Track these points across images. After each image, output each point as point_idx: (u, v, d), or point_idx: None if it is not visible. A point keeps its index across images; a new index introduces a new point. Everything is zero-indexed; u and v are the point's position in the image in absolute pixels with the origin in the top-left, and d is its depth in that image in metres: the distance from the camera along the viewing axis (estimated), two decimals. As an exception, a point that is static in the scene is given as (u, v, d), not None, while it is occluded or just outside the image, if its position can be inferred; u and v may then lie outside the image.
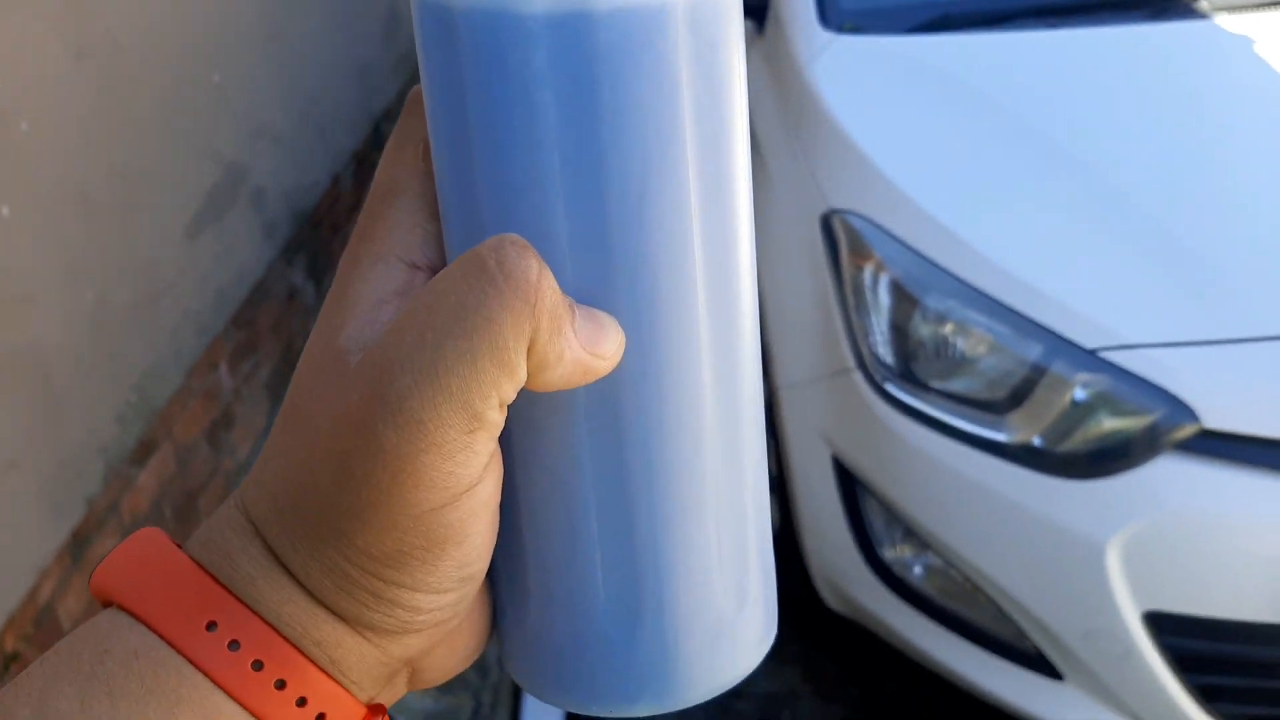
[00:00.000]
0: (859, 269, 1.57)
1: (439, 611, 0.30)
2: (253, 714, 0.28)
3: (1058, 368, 1.40)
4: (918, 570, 1.53)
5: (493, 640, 0.35)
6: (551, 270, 0.28)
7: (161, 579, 0.29)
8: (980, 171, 1.62)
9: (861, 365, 1.54)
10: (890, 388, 1.51)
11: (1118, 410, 1.36)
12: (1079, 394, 1.39)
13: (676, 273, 0.30)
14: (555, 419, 0.30)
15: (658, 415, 0.30)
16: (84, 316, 1.50)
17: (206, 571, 0.29)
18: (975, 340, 1.47)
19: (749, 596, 0.34)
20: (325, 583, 0.29)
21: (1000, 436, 1.43)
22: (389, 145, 0.32)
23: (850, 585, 1.60)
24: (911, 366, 1.51)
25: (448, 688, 1.71)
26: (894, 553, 1.55)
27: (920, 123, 1.72)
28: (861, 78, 1.82)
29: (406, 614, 0.30)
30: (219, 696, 0.28)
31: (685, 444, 0.31)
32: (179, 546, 0.30)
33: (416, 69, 0.31)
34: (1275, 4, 1.84)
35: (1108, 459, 1.36)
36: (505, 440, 0.31)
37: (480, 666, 1.78)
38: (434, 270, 0.31)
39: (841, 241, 1.61)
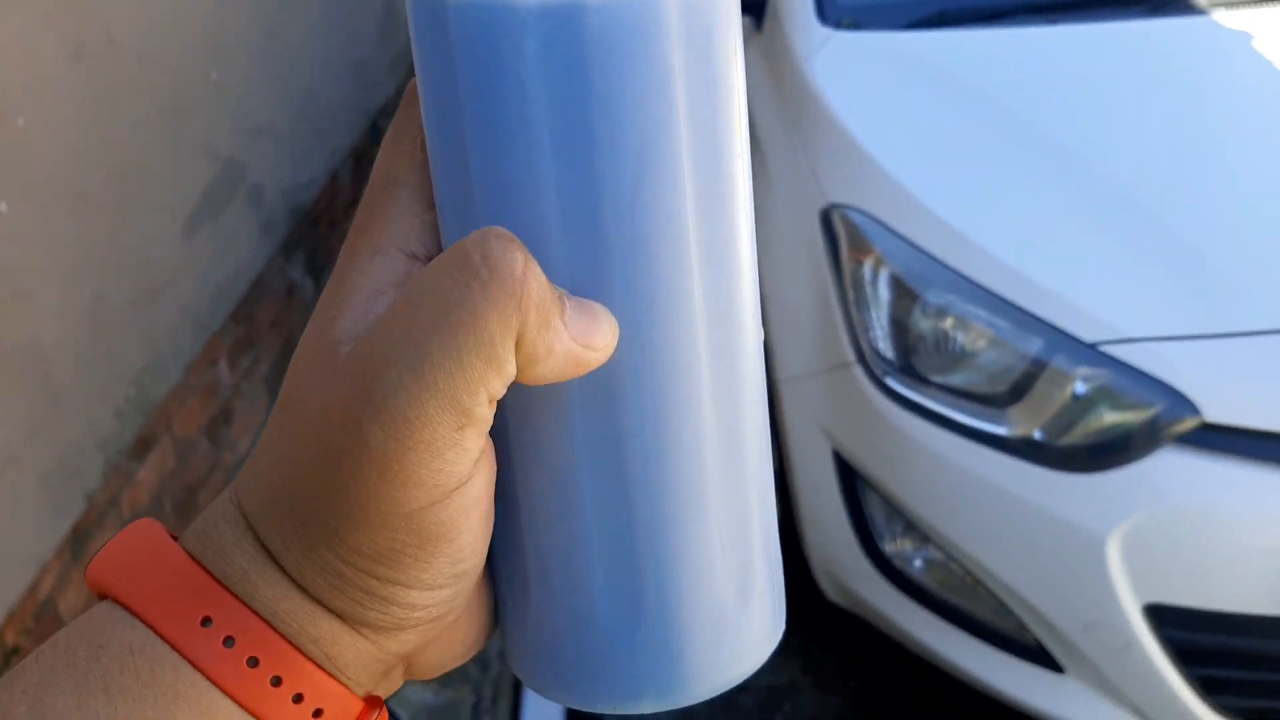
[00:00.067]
0: (859, 264, 1.57)
1: (434, 608, 0.30)
2: (249, 711, 0.28)
3: (1058, 362, 1.40)
4: (918, 564, 1.53)
5: (494, 634, 0.34)
6: (545, 261, 0.28)
7: (156, 573, 0.29)
8: (979, 166, 1.62)
9: (862, 360, 1.54)
10: (890, 382, 1.51)
11: (1118, 404, 1.36)
12: (1079, 388, 1.39)
13: (672, 262, 0.29)
14: (551, 411, 0.30)
15: (655, 406, 0.30)
16: (82, 313, 1.49)
17: (201, 566, 0.29)
18: (975, 334, 1.47)
19: (753, 591, 0.33)
20: (319, 581, 0.29)
21: (1001, 430, 1.43)
22: (387, 138, 0.32)
23: (851, 578, 1.60)
24: (912, 361, 1.51)
25: (448, 681, 1.71)
26: (894, 546, 1.55)
27: (919, 118, 1.72)
28: (860, 73, 1.82)
29: (402, 611, 0.29)
30: (215, 693, 0.28)
31: (684, 435, 0.30)
32: (175, 538, 0.30)
33: (413, 65, 0.31)
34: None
35: (1108, 452, 1.36)
36: (500, 434, 0.31)
37: (481, 660, 1.78)
38: (430, 260, 0.30)
39: (841, 236, 1.61)
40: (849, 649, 1.82)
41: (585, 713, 0.34)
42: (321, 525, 0.28)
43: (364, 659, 0.30)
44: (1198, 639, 1.34)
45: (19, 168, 1.37)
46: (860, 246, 1.58)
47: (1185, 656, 1.34)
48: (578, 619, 0.32)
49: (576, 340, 0.28)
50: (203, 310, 1.82)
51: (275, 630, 0.29)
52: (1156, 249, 1.46)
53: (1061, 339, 1.40)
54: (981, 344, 1.47)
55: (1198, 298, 1.40)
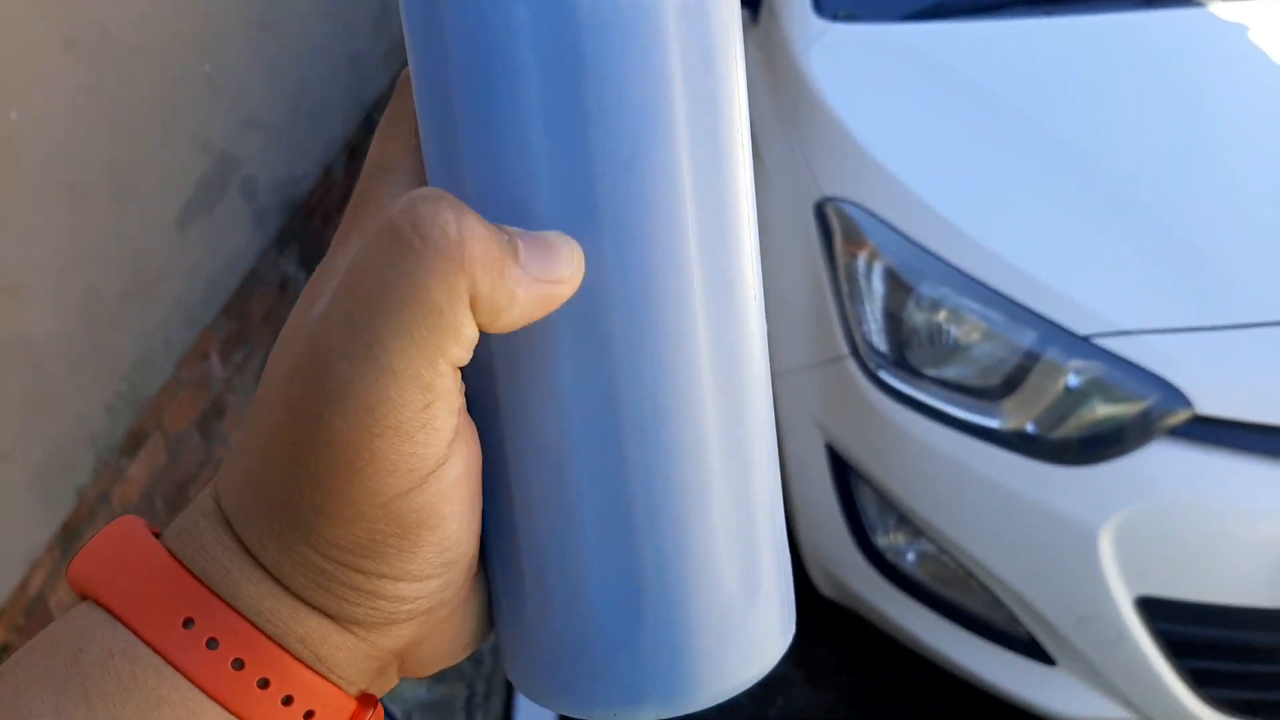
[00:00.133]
0: (853, 257, 1.57)
1: (424, 600, 0.29)
2: (237, 715, 0.27)
3: (1051, 354, 1.40)
4: (911, 557, 1.53)
5: (492, 630, 0.33)
6: (532, 224, 0.27)
7: (137, 572, 0.28)
8: (974, 159, 1.62)
9: (855, 353, 1.54)
10: (884, 375, 1.51)
11: (1111, 396, 1.36)
12: (1072, 380, 1.39)
13: (669, 237, 0.28)
14: (538, 388, 0.29)
15: (652, 381, 0.28)
16: (73, 307, 1.49)
17: (182, 565, 0.28)
18: (969, 327, 1.47)
19: (761, 587, 0.31)
20: (300, 578, 0.28)
21: (994, 423, 1.43)
22: (381, 125, 0.32)
23: (844, 572, 1.60)
24: (905, 354, 1.51)
25: (441, 676, 1.71)
26: (887, 540, 1.55)
27: (914, 110, 1.71)
28: (855, 66, 1.82)
29: (390, 605, 0.28)
30: (200, 697, 0.27)
31: (683, 411, 0.29)
32: (159, 535, 0.29)
33: (403, 80, 0.31)
34: (1268, -10, 1.83)
35: (1101, 445, 1.36)
36: (485, 415, 0.29)
37: (473, 655, 1.78)
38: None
39: (835, 229, 1.60)
40: (842, 643, 1.82)
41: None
42: (295, 521, 0.27)
43: (355, 657, 0.29)
44: (1189, 631, 1.34)
45: (10, 160, 1.36)
46: (854, 239, 1.57)
47: (1176, 649, 1.34)
48: (573, 617, 0.30)
49: (539, 279, 0.26)
50: (195, 304, 1.82)
51: (260, 630, 0.28)
52: (1150, 242, 1.46)
53: (1055, 332, 1.40)
54: (975, 337, 1.46)
55: (1191, 290, 1.40)
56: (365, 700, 0.30)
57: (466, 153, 0.28)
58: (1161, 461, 1.33)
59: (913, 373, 1.49)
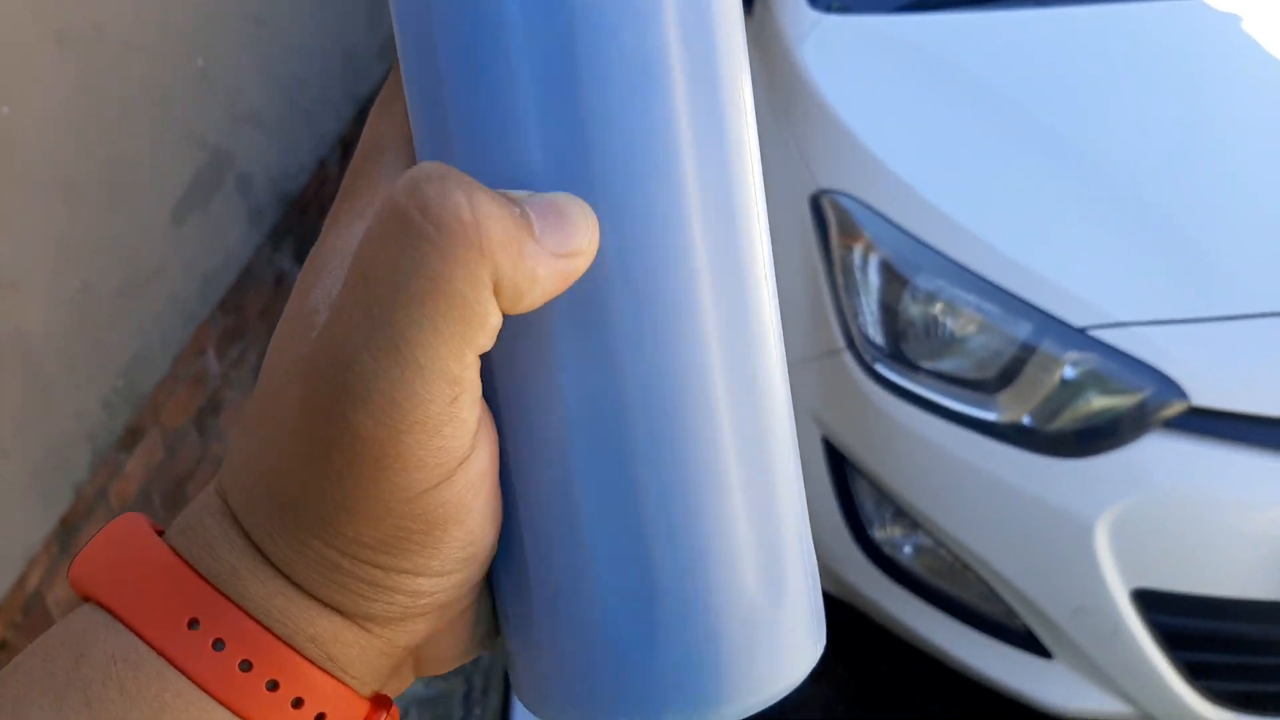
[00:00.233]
0: (848, 249, 1.57)
1: (443, 594, 0.28)
2: (244, 718, 0.26)
3: (1047, 346, 1.40)
4: (908, 550, 1.53)
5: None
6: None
7: (140, 572, 0.27)
8: (969, 151, 1.61)
9: (851, 345, 1.54)
10: (880, 368, 1.51)
11: (1107, 388, 1.37)
12: (1068, 372, 1.39)
13: (668, 201, 0.26)
14: (538, 382, 0.27)
15: (660, 370, 0.26)
16: (69, 303, 1.49)
17: (187, 564, 0.27)
18: (965, 320, 1.47)
19: (787, 587, 0.28)
20: (313, 575, 0.27)
21: (990, 416, 1.43)
22: (375, 106, 0.30)
23: (840, 566, 1.61)
24: (901, 346, 1.51)
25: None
26: (884, 533, 1.55)
27: (909, 102, 1.71)
28: (850, 57, 1.82)
29: (408, 599, 0.27)
30: (206, 701, 0.26)
31: (694, 403, 0.27)
32: (162, 533, 0.28)
33: (397, 60, 0.30)
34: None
35: (1097, 437, 1.36)
36: (490, 404, 0.28)
37: (472, 651, 1.77)
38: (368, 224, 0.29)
39: (831, 222, 1.60)
40: (838, 637, 1.82)
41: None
42: (314, 517, 0.26)
43: (368, 655, 0.28)
44: (1185, 623, 1.34)
45: (3, 157, 1.36)
46: (850, 232, 1.57)
47: (1172, 641, 1.35)
48: (584, 626, 0.28)
49: (557, 253, 0.25)
50: (191, 300, 1.81)
51: (269, 630, 0.27)
52: (1145, 233, 1.46)
53: (1050, 323, 1.40)
54: (971, 329, 1.47)
55: (1186, 282, 1.40)
56: (379, 701, 0.29)
57: (452, 123, 0.27)
58: (1157, 453, 1.33)
59: (909, 365, 1.49)
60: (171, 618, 0.26)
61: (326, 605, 0.27)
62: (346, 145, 2.55)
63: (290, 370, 0.26)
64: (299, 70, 2.30)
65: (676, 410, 0.27)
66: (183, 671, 0.26)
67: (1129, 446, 1.34)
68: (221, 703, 0.26)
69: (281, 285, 2.19)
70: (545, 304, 0.26)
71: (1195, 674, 1.36)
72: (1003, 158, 1.59)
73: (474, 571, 0.28)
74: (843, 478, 1.58)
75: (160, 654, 0.26)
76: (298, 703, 0.27)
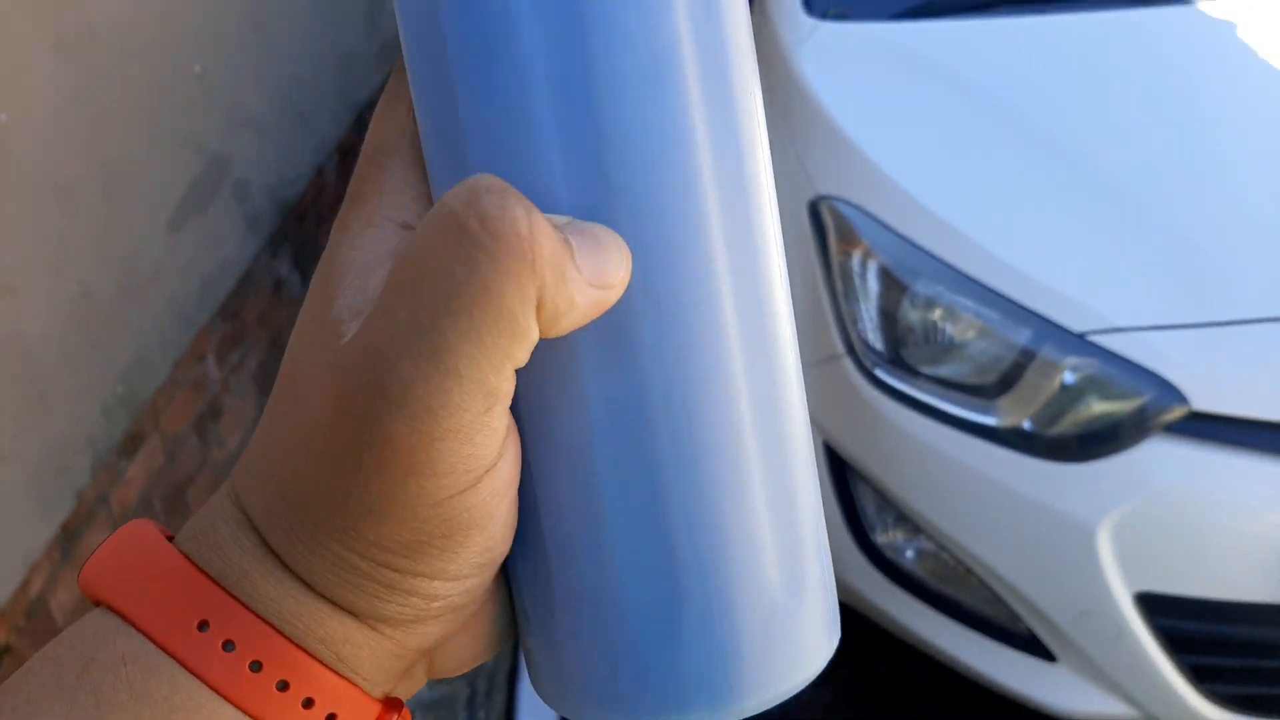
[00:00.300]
0: (847, 255, 1.57)
1: (457, 597, 0.28)
2: (254, 719, 0.26)
3: (1047, 352, 1.40)
4: (910, 554, 1.53)
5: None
6: (545, 207, 0.26)
7: (149, 576, 0.27)
8: (967, 157, 1.62)
9: (851, 351, 1.54)
10: (880, 373, 1.51)
11: (1107, 393, 1.37)
12: (1068, 377, 1.39)
13: (686, 199, 0.26)
14: (562, 386, 0.27)
15: (680, 368, 0.27)
16: (68, 309, 1.48)
17: (197, 566, 0.27)
18: (964, 325, 1.47)
19: (805, 583, 0.29)
20: (329, 576, 0.27)
21: (990, 421, 1.43)
22: (379, 107, 0.30)
23: (843, 570, 1.61)
24: (901, 352, 1.51)
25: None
26: (886, 537, 1.55)
27: (907, 109, 1.72)
28: (847, 64, 1.82)
29: (422, 602, 0.27)
30: (216, 702, 0.26)
31: (716, 400, 0.27)
32: (171, 538, 0.28)
33: (400, 60, 0.30)
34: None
35: (1097, 442, 1.37)
36: (513, 410, 0.28)
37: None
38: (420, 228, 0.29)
39: (829, 228, 1.61)
40: (841, 640, 1.82)
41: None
42: (335, 520, 0.26)
43: (380, 657, 0.28)
44: (1188, 626, 1.35)
45: (2, 161, 1.36)
46: (848, 238, 1.58)
47: (1176, 644, 1.35)
48: (608, 624, 0.28)
49: (593, 283, 0.25)
50: (189, 305, 1.81)
51: (279, 632, 0.27)
52: (1145, 238, 1.46)
53: (1050, 329, 1.40)
54: (970, 334, 1.47)
55: (1186, 287, 1.41)
56: (390, 703, 0.29)
57: (464, 123, 0.26)
58: (1158, 458, 1.33)
59: (909, 371, 1.50)
60: (181, 620, 0.26)
61: (338, 607, 0.27)
62: (344, 151, 2.55)
63: (319, 374, 0.26)
64: (297, 76, 2.30)
65: (699, 415, 0.27)
66: (193, 673, 0.26)
67: (1130, 451, 1.35)
68: (232, 703, 0.26)
69: (280, 291, 2.19)
70: None
71: (1199, 677, 1.36)
72: (1001, 164, 1.60)
73: (488, 576, 0.28)
74: (844, 483, 1.58)
75: (171, 655, 0.26)
76: (308, 703, 0.27)
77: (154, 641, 0.26)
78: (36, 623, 1.38)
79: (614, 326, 0.26)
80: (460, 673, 0.31)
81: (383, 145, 0.29)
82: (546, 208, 0.25)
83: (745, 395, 0.27)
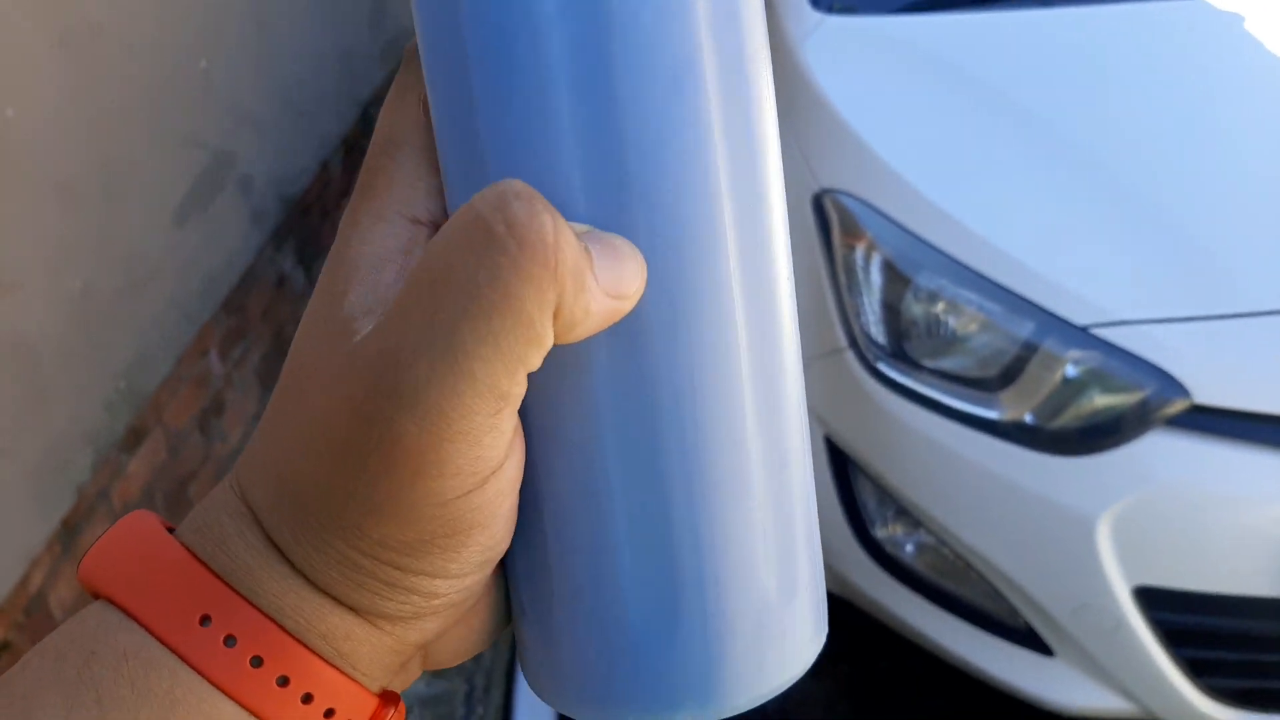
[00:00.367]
0: (850, 248, 1.57)
1: (457, 594, 0.28)
2: (254, 714, 0.27)
3: (1049, 345, 1.40)
4: (910, 548, 1.53)
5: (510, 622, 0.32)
6: (561, 206, 0.26)
7: (151, 569, 0.27)
8: (971, 151, 1.61)
9: (854, 344, 1.54)
10: (882, 367, 1.51)
11: (1109, 387, 1.36)
12: (1070, 371, 1.39)
13: (704, 207, 0.26)
14: (571, 385, 0.27)
15: (689, 373, 0.27)
16: (70, 304, 1.49)
17: (199, 560, 0.27)
18: (967, 318, 1.47)
19: (798, 586, 0.30)
20: (331, 574, 0.27)
21: (992, 414, 1.43)
22: (388, 98, 0.30)
23: (842, 564, 1.61)
24: (903, 345, 1.51)
25: (440, 671, 1.71)
26: (886, 531, 1.55)
27: (911, 102, 1.71)
28: (852, 58, 1.82)
29: (423, 599, 0.28)
30: (217, 697, 0.26)
31: (722, 405, 0.27)
32: (172, 530, 0.28)
33: (409, 50, 0.29)
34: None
35: (1099, 435, 1.36)
36: (520, 412, 0.28)
37: (473, 650, 1.77)
38: (436, 226, 0.28)
39: (833, 221, 1.60)
40: (840, 634, 1.82)
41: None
42: (340, 518, 0.26)
43: (379, 652, 0.28)
44: (1187, 620, 1.34)
45: (5, 158, 1.36)
46: (852, 231, 1.57)
47: (1174, 638, 1.35)
48: (605, 619, 0.28)
49: (609, 294, 0.25)
50: (192, 301, 1.82)
51: (281, 627, 0.27)
52: (1147, 232, 1.46)
53: (1053, 322, 1.40)
54: (973, 328, 1.47)
55: (1188, 280, 1.40)
56: (387, 698, 0.30)
57: (482, 123, 0.26)
58: (1159, 451, 1.33)
59: (911, 364, 1.50)
60: (183, 614, 0.26)
61: (339, 603, 0.28)
62: (348, 147, 2.56)
63: (329, 372, 0.26)
64: (300, 72, 2.30)
65: (706, 419, 0.27)
66: (194, 667, 0.26)
67: (1131, 444, 1.34)
68: (232, 698, 0.26)
69: (284, 287, 2.20)
70: None
71: (1197, 671, 1.35)
72: (1005, 157, 1.59)
73: (487, 573, 0.28)
74: (845, 476, 1.58)
75: (172, 650, 0.26)
76: (307, 698, 0.27)
77: (156, 637, 0.26)
78: (36, 619, 1.39)
79: (626, 331, 0.27)
80: (455, 664, 0.32)
81: (393, 137, 0.29)
82: (564, 214, 0.25)
83: (750, 401, 0.28)
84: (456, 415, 0.24)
